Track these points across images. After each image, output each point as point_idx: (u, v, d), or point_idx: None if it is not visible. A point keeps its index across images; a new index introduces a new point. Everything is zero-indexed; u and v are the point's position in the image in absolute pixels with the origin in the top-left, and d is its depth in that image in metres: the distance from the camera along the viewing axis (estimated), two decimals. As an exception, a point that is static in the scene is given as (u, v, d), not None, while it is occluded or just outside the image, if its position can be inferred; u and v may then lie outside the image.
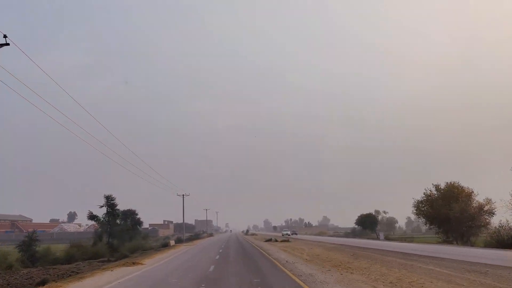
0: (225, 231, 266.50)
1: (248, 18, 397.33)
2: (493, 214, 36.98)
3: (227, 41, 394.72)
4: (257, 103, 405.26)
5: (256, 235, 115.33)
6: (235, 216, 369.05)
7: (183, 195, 69.60)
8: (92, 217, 47.61)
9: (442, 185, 40.68)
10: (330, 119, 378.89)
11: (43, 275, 23.44)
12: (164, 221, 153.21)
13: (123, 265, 22.53)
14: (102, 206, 46.93)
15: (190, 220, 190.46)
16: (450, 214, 36.90)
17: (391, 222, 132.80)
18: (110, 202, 47.47)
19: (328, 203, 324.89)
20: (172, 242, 47.81)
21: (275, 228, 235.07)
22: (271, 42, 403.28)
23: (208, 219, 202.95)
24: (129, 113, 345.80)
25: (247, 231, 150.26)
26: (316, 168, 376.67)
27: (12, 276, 24.61)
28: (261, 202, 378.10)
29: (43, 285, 16.09)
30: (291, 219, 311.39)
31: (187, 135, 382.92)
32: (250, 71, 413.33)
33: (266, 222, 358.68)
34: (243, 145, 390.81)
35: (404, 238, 57.03)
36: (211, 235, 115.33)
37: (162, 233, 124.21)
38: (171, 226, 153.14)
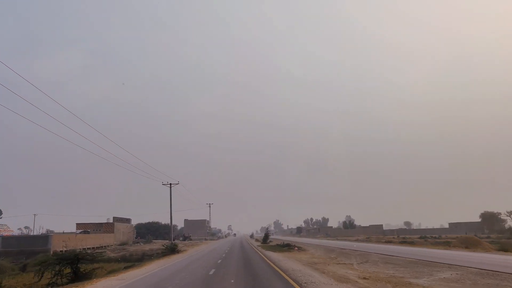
0: (227, 235, 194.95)
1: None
2: None
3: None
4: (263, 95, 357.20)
5: (304, 250, 40.48)
6: (239, 218, 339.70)
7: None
8: None
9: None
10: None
11: None
12: (108, 219, 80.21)
13: None
14: None
15: (177, 221, 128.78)
16: None
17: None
18: None
19: (337, 203, 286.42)
20: None
21: (299, 230, 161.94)
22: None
23: (204, 219, 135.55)
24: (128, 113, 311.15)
25: (266, 236, 74.55)
26: (322, 167, 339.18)
27: None
28: (267, 202, 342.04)
29: None
30: (312, 219, 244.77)
31: (188, 133, 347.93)
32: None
33: (277, 224, 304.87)
34: (245, 143, 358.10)
35: None
36: (172, 252, 35.14)
37: (59, 242, 49.45)
38: (125, 227, 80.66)
